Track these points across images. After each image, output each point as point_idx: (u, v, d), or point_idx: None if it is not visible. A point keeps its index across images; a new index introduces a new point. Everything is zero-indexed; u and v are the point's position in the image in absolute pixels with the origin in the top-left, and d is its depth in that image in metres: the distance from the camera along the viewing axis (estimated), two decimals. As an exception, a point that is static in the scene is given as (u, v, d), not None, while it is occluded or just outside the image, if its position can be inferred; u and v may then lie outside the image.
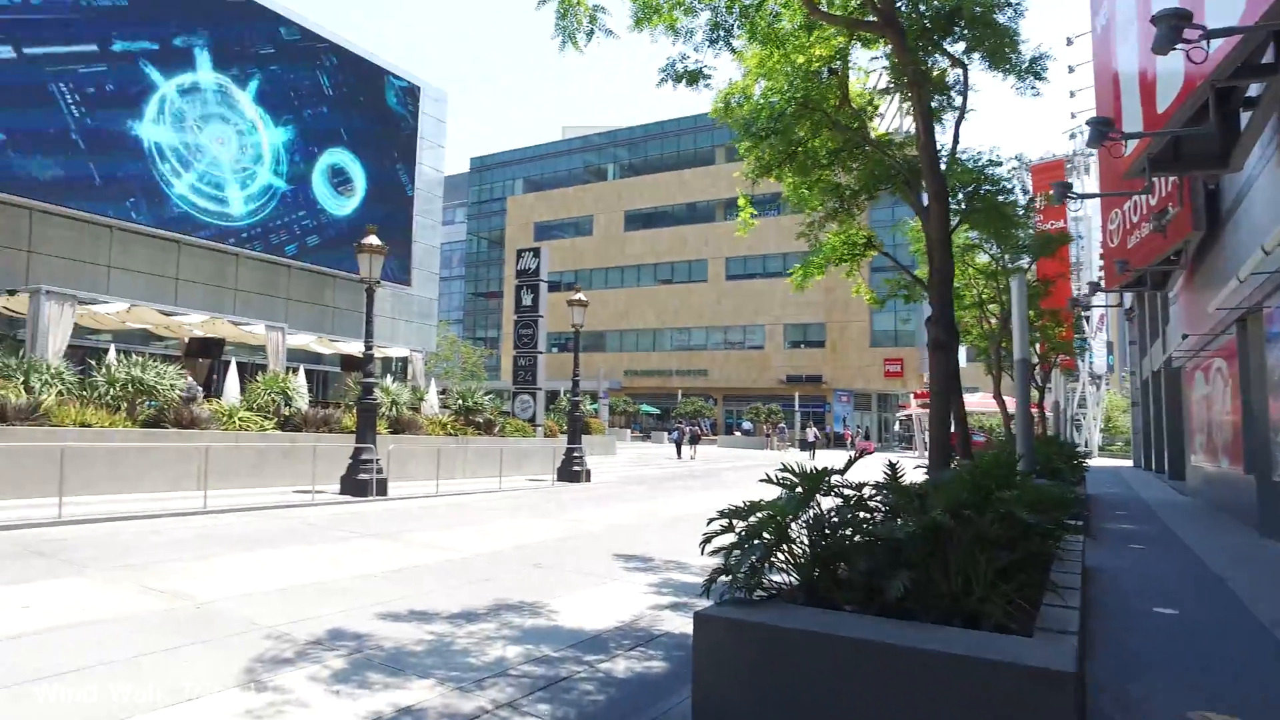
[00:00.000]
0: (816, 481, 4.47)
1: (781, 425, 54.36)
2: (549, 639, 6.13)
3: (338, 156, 33.83)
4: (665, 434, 57.89)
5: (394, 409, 19.45)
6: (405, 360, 31.98)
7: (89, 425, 13.18)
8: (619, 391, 63.12)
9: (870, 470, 5.58)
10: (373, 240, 15.33)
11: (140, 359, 15.21)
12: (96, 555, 8.64)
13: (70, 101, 25.09)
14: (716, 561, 4.69)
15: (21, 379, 14.71)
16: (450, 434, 20.38)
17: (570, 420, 21.75)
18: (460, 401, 21.96)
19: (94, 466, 12.83)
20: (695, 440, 40.29)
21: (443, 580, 8.12)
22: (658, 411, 65.22)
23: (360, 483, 14.73)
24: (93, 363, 15.83)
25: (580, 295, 21.36)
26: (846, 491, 5.00)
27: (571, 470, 20.91)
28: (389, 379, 24.56)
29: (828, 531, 4.65)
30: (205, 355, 25.97)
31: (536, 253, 26.30)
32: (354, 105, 34.67)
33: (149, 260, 28.37)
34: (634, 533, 12.16)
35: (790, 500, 4.54)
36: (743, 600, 4.25)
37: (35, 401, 12.91)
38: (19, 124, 23.83)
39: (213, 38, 28.83)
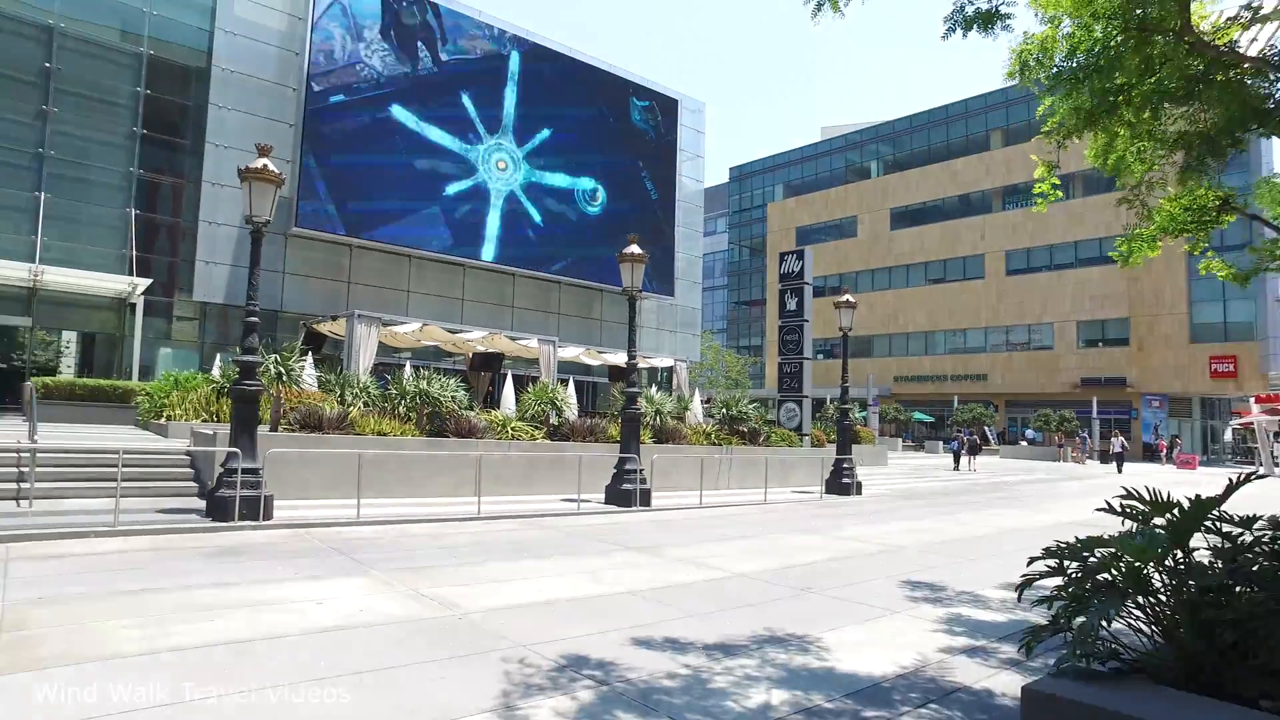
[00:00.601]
0: (1198, 515, 3.19)
1: (1084, 434, 48.15)
2: (820, 684, 5.24)
3: (594, 173, 35.23)
4: (940, 443, 54.01)
5: (658, 418, 19.43)
6: (670, 370, 32.35)
7: (384, 434, 14.33)
8: (888, 399, 59.81)
9: (1259, 498, 4.06)
10: (633, 249, 15.34)
11: (427, 373, 16.40)
12: (383, 557, 9.08)
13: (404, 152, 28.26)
14: (1017, 595, 3.51)
15: (339, 392, 16.50)
16: (714, 443, 20.00)
17: (839, 429, 20.47)
18: (724, 410, 21.53)
19: (387, 472, 13.89)
20: (975, 450, 36.81)
21: (702, 602, 7.50)
22: (931, 419, 60.92)
23: (624, 493, 14.69)
24: (388, 377, 17.39)
25: (848, 297, 20.05)
26: (1230, 528, 3.61)
27: (840, 482, 19.63)
28: (653, 388, 24.84)
29: (1210, 584, 3.33)
30: (487, 369, 27.96)
31: (800, 255, 25.28)
32: (604, 124, 35.92)
33: (438, 283, 31.31)
34: (914, 555, 10.80)
35: (1151, 539, 3.30)
36: (1088, 673, 3.10)
37: (344, 412, 14.28)
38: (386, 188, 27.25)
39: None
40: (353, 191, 28.29)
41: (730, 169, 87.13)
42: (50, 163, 24.76)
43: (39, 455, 11.78)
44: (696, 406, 24.92)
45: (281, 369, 13.68)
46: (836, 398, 45.24)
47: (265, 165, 11.48)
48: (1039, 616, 6.95)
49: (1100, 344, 53.42)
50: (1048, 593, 3.55)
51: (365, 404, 15.94)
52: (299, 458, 12.94)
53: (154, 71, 26.63)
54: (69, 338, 26.56)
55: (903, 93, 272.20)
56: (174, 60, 27.20)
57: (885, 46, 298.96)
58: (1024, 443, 52.32)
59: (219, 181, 26.31)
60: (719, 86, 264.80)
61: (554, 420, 17.90)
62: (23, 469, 11.62)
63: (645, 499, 14.87)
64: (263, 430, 13.80)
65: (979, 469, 35.36)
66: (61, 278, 22.49)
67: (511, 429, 16.16)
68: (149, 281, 23.47)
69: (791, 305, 24.82)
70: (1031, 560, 3.87)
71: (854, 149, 72.84)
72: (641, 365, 32.57)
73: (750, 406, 21.69)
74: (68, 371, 25.21)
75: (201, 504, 11.39)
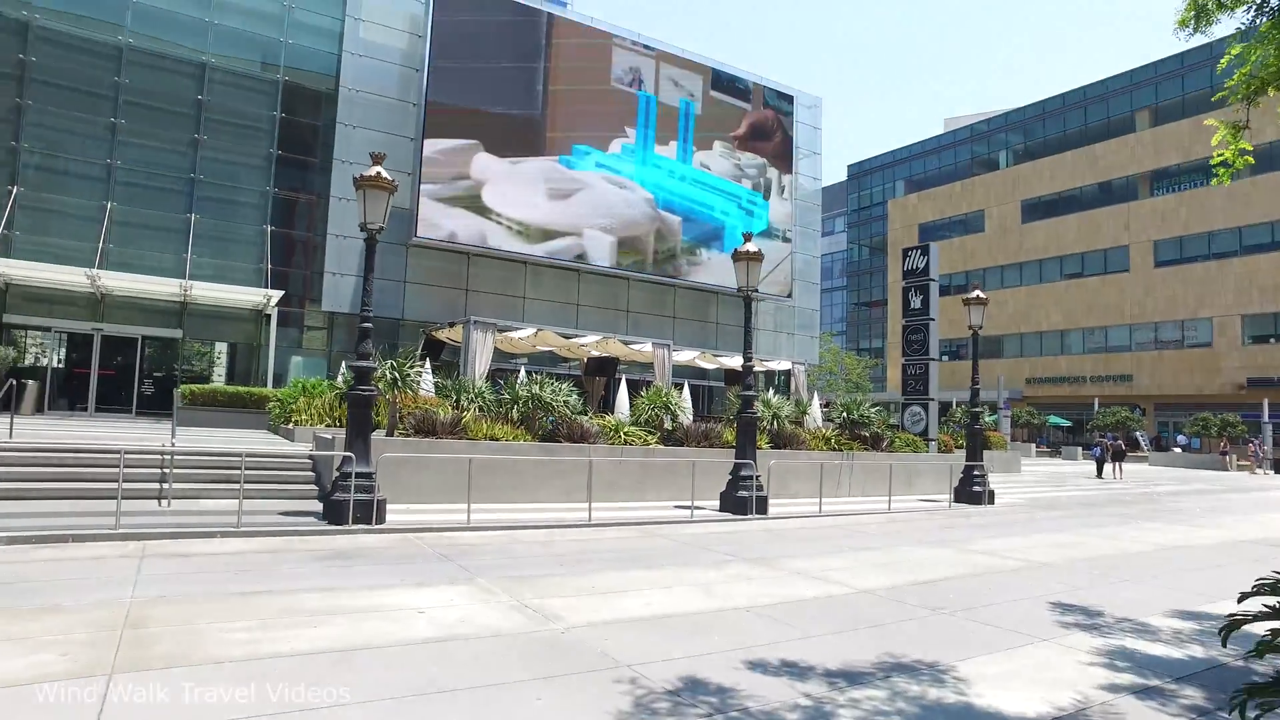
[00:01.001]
0: None
1: (1255, 440, 43.68)
2: (959, 726, 4.59)
3: (709, 174, 34.73)
4: (1079, 449, 50.39)
5: (774, 422, 18.74)
6: (788, 373, 31.45)
7: (496, 439, 14.33)
8: (1020, 402, 56.36)
9: None
10: (749, 247, 14.80)
11: (539, 378, 16.35)
12: (489, 564, 8.92)
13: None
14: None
15: (454, 397, 16.71)
16: (834, 449, 19.12)
17: (969, 433, 19.16)
18: (845, 414, 20.59)
19: (499, 477, 13.87)
20: (1120, 456, 34.00)
21: (822, 621, 6.91)
22: (1068, 423, 57.02)
23: (739, 500, 14.13)
24: (501, 382, 17.48)
25: (978, 293, 18.78)
26: None
27: (971, 490, 18.36)
28: (770, 392, 24.07)
29: None
30: (601, 374, 27.92)
31: (925, 250, 23.94)
32: (721, 124, 35.37)
33: (554, 289, 31.58)
34: (1059, 574, 9.76)
35: None
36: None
37: (458, 417, 14.37)
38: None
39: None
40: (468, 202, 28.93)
41: (848, 166, 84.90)
42: (200, 186, 26.51)
43: (177, 458, 12.37)
44: (815, 410, 24.01)
45: (397, 374, 13.89)
46: (964, 401, 42.94)
47: (379, 173, 11.64)
48: (1219, 650, 5.99)
49: (1272, 340, 48.50)
50: (1263, 635, 2.83)
51: (480, 409, 16.03)
52: (413, 462, 13.07)
53: (289, 95, 28.11)
54: (219, 348, 28.28)
55: (1029, 81, 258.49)
56: (306, 84, 28.61)
57: (1007, 35, 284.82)
58: (1177, 449, 48.14)
59: (345, 196, 27.37)
60: (834, 84, 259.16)
61: (668, 425, 17.53)
62: (165, 470, 12.23)
63: (761, 507, 14.26)
64: (379, 435, 14.08)
65: (1125, 477, 32.64)
66: (206, 292, 23.95)
67: (624, 434, 15.89)
68: (281, 293, 24.65)
69: (916, 303, 23.54)
70: (1243, 596, 3.13)
71: (980, 140, 69.38)
72: (758, 368, 31.77)
73: (873, 410, 20.66)
74: (217, 379, 26.84)
75: (320, 507, 11.62)
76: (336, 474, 11.10)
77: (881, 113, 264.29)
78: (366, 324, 11.56)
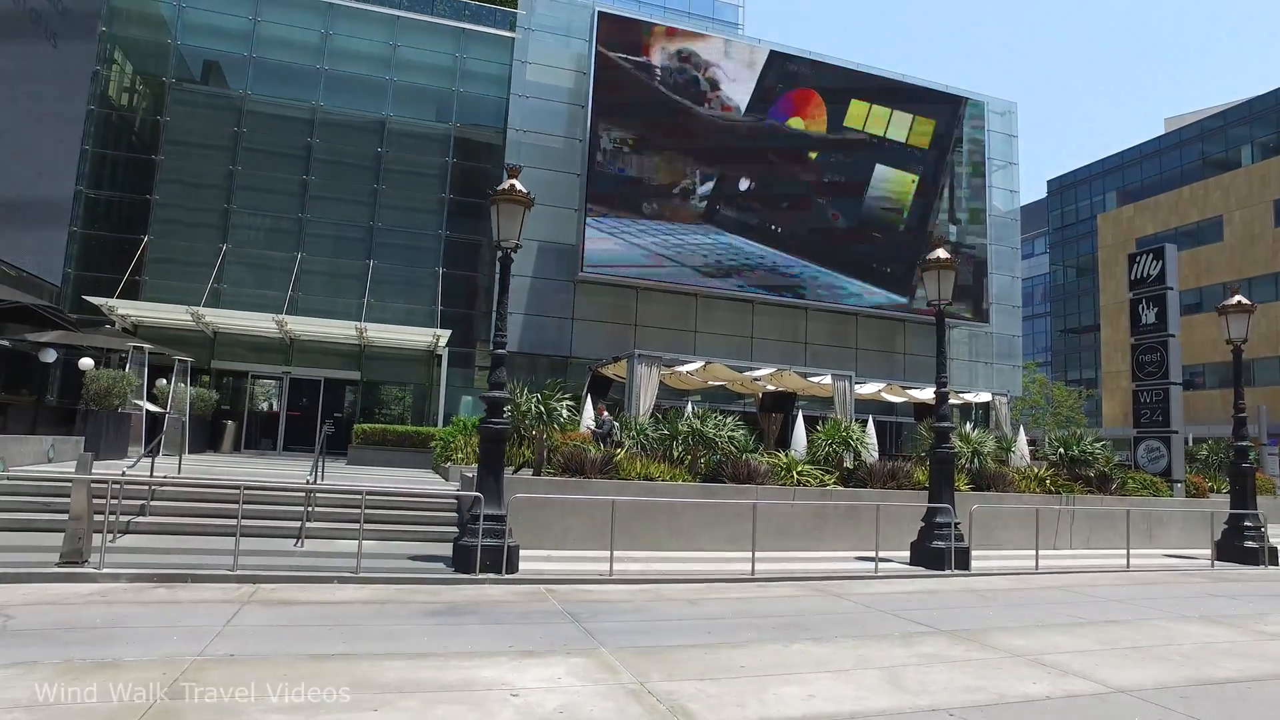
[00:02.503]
0: None
1: None
2: None
3: (893, 186, 32.07)
4: None
5: (975, 460, 16.06)
6: (987, 406, 27.99)
7: (652, 478, 12.88)
8: (1281, 438, 47.83)
9: None
10: (940, 253, 12.62)
11: (702, 411, 14.80)
12: (621, 627, 7.40)
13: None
14: None
15: (618, 435, 15.50)
16: (1049, 491, 16.09)
17: (1234, 473, 15.45)
18: (1061, 450, 17.46)
19: (654, 522, 12.39)
20: None
21: (1063, 741, 4.78)
22: (1351, 464, 47.67)
23: (934, 552, 11.78)
24: (659, 416, 16.07)
25: (1239, 298, 15.35)
26: None
27: (1242, 546, 14.71)
28: (968, 426, 21.11)
29: None
30: (778, 409, 25.87)
31: (1158, 254, 20.11)
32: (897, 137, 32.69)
33: (727, 322, 30.05)
34: None
35: None
36: None
37: (609, 454, 13.09)
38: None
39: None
40: (637, 234, 28.16)
41: (1048, 181, 77.76)
42: (378, 233, 27.57)
43: (321, 495, 11.88)
44: (1022, 447, 20.80)
45: (543, 408, 12.81)
46: (1202, 438, 36.71)
47: (513, 185, 10.71)
48: None
49: None
50: None
51: (641, 446, 14.68)
52: (559, 504, 11.86)
53: (460, 141, 28.85)
54: (396, 389, 29.04)
55: (1264, 71, 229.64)
56: (476, 129, 29.23)
57: (1228, 26, 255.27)
58: None
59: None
60: (1029, 96, 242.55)
61: (848, 463, 15.35)
62: (308, 509, 11.77)
63: (962, 560, 11.81)
64: (526, 474, 13.05)
65: None
66: (380, 333, 24.51)
67: (798, 473, 13.92)
68: (449, 333, 24.79)
69: (1149, 317, 19.76)
70: None
71: (1213, 137, 61.04)
72: (953, 401, 28.52)
73: (1097, 446, 17.33)
74: (394, 419, 27.45)
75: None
76: (467, 516, 10.05)
77: (1084, 123, 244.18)
78: (500, 350, 10.58)
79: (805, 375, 23.62)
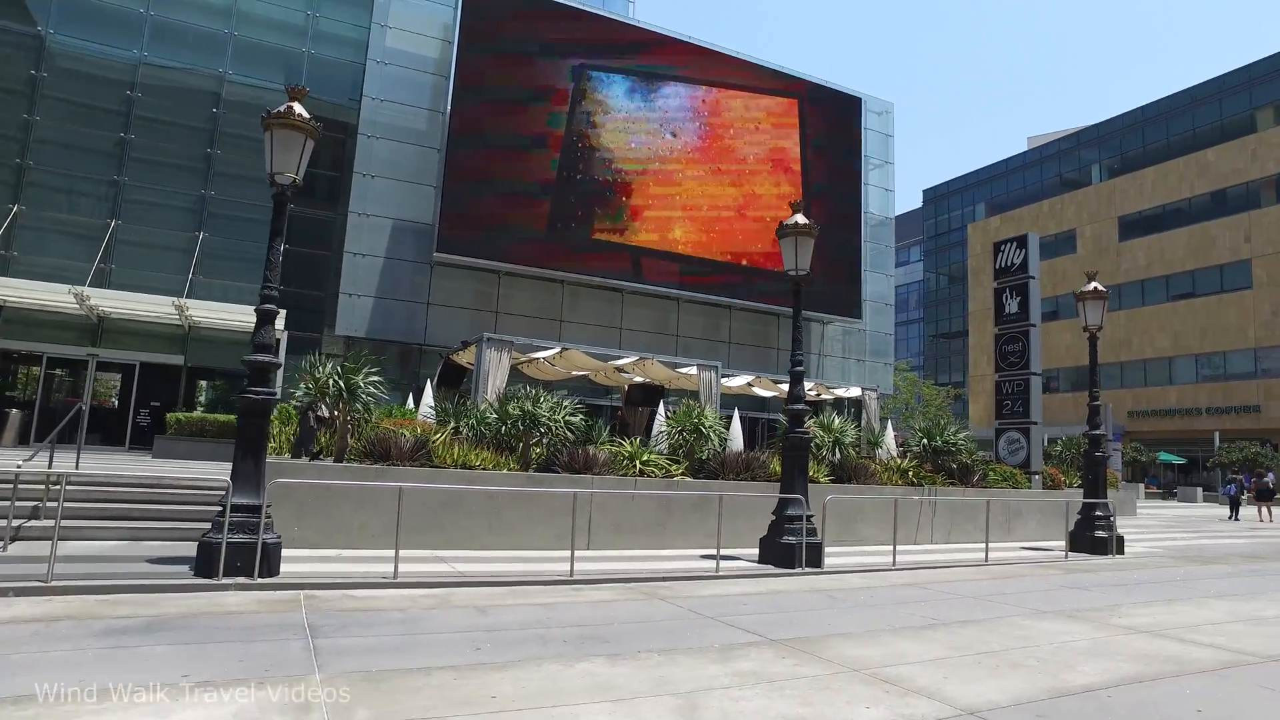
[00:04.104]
0: None
1: None
2: None
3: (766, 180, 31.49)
4: (1199, 490, 45.33)
5: (837, 450, 15.18)
6: (859, 403, 27.65)
7: (471, 467, 11.22)
8: (1122, 437, 50.50)
9: None
10: (798, 219, 11.45)
11: (538, 393, 13.26)
12: (366, 644, 5.77)
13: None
14: None
15: (452, 423, 13.72)
16: (911, 483, 15.36)
17: (1088, 463, 15.13)
18: (925, 440, 16.85)
19: (471, 516, 10.76)
20: (1268, 496, 29.01)
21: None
22: (1181, 461, 50.82)
23: (784, 548, 10.63)
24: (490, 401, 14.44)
25: (1095, 285, 15.03)
26: None
27: (1093, 536, 14.37)
28: (836, 420, 20.41)
29: None
30: (647, 403, 24.57)
31: (1021, 242, 19.94)
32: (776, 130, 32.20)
33: (595, 312, 28.61)
34: (1291, 672, 6.02)
35: None
36: None
37: (422, 440, 11.36)
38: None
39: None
40: (499, 216, 26.36)
41: (924, 191, 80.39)
42: (211, 203, 24.77)
43: (55, 488, 9.66)
44: (889, 442, 20.26)
45: (342, 384, 10.96)
46: (1059, 438, 37.94)
47: (291, 108, 8.97)
48: None
49: None
50: None
51: (470, 433, 12.98)
52: (355, 495, 10.06)
53: (309, 108, 26.26)
54: (221, 376, 26.10)
55: (1117, 95, 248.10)
56: (328, 96, 26.71)
57: (1087, 50, 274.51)
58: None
59: (365, 211, 25.22)
60: (910, 108, 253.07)
61: (703, 453, 14.09)
62: (39, 503, 9.60)
63: (814, 557, 10.70)
64: (327, 462, 11.20)
65: (1275, 520, 27.68)
66: (204, 313, 21.75)
67: (641, 463, 12.55)
68: (283, 312, 22.28)
69: (1012, 307, 19.56)
70: None
71: (1069, 155, 64.31)
72: (824, 396, 28.03)
73: (960, 436, 16.81)
74: (229, 409, 24.60)
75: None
76: (219, 508, 8.15)
77: (957, 138, 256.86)
78: (269, 304, 8.72)
79: (672, 366, 22.43)
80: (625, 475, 12.22)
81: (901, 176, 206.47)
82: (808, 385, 27.22)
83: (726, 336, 30.94)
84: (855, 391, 27.17)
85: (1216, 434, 47.35)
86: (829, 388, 27.82)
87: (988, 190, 71.96)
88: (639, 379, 24.53)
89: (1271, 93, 50.90)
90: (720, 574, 9.78)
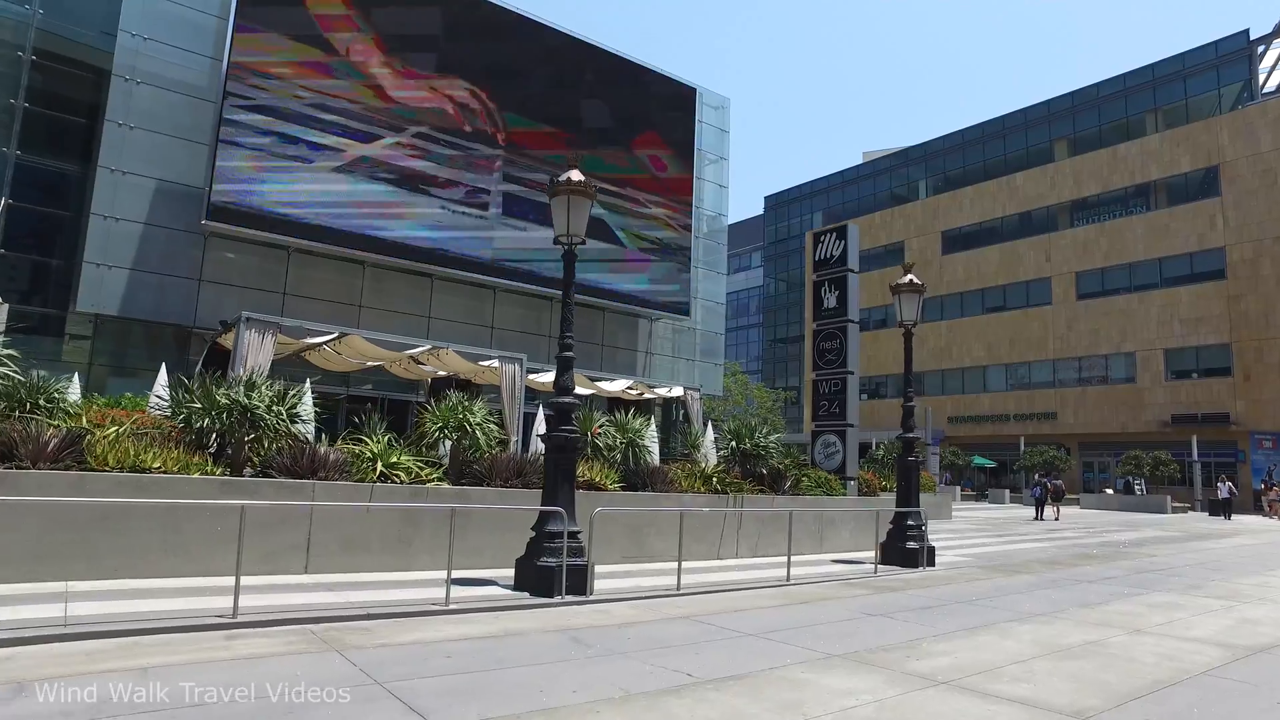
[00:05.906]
0: None
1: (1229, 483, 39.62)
2: None
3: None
4: (1006, 492, 48.45)
5: (630, 452, 13.49)
6: (682, 403, 26.46)
7: (145, 469, 8.63)
8: (943, 442, 52.79)
9: None
10: (572, 175, 9.45)
11: (268, 379, 10.76)
12: None
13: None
14: None
15: (183, 415, 10.87)
16: (716, 490, 13.90)
17: (901, 468, 14.20)
18: (734, 443, 15.51)
19: (135, 533, 8.21)
20: (1060, 497, 30.79)
21: None
22: (993, 464, 53.77)
23: (542, 571, 8.72)
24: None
25: (911, 277, 14.24)
26: None
27: (904, 548, 13.42)
28: (634, 417, 18.87)
29: None
30: (452, 399, 22.27)
31: (840, 233, 19.07)
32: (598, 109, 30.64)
33: (402, 298, 25.86)
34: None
35: None
36: None
37: (78, 433, 8.66)
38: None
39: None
40: (288, 180, 23.19)
41: (765, 198, 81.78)
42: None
43: None
44: (709, 446, 19.03)
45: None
46: (883, 443, 38.61)
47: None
48: None
49: (1194, 375, 46.01)
50: None
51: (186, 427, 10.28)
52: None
53: (45, 36, 22.05)
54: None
55: (948, 115, 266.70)
56: (71, 25, 22.60)
57: (922, 72, 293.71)
58: (1109, 490, 44.92)
59: (120, 168, 21.36)
60: (753, 118, 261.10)
61: (467, 453, 11.94)
62: None
63: (578, 583, 8.85)
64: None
65: (1064, 520, 29.15)
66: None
67: (386, 466, 10.29)
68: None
69: (830, 301, 18.67)
70: None
71: (899, 170, 67.02)
72: (647, 395, 26.65)
73: (771, 439, 15.58)
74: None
75: None
76: None
77: (799, 149, 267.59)
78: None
79: (472, 357, 20.24)
80: (363, 481, 9.94)
81: (746, 184, 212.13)
82: (625, 383, 25.78)
83: (548, 330, 28.94)
84: (678, 391, 25.97)
85: (1022, 439, 50.12)
86: (651, 386, 26.46)
87: (825, 200, 73.98)
88: (442, 372, 22.18)
89: (1065, 127, 55.10)
90: (450, 608, 7.72)
